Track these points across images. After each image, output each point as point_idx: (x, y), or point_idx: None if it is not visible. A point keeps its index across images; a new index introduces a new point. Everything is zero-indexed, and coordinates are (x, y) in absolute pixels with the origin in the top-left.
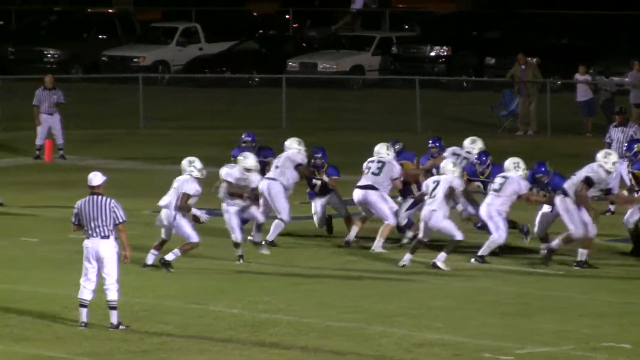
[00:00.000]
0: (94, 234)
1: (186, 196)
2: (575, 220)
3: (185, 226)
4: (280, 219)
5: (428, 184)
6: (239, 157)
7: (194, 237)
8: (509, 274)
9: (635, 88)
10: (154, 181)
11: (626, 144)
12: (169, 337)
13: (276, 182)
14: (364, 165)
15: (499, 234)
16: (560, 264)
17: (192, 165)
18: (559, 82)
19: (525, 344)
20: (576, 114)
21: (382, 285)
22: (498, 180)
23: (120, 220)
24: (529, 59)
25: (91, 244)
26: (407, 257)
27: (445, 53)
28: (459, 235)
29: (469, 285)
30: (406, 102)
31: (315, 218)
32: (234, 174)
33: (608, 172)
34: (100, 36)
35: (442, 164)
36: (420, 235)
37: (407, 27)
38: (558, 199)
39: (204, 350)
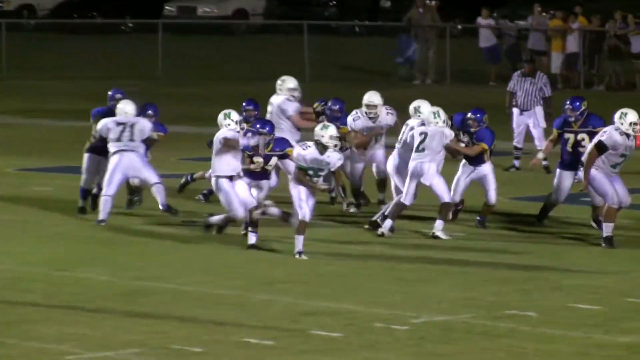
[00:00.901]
0: None
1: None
2: (604, 188)
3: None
4: None
5: (414, 134)
6: (317, 130)
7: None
8: (404, 238)
9: (534, 32)
10: (20, 136)
11: (569, 102)
12: (34, 307)
13: None
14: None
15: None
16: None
17: (228, 119)
18: (460, 27)
19: (421, 313)
20: (478, 61)
21: (268, 252)
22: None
23: None
24: (428, 1)
25: None
26: (389, 223)
27: None
28: (447, 197)
29: (362, 249)
30: (294, 48)
31: None
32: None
33: (627, 135)
34: None
35: (426, 115)
36: (404, 200)
37: None
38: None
39: (72, 321)
